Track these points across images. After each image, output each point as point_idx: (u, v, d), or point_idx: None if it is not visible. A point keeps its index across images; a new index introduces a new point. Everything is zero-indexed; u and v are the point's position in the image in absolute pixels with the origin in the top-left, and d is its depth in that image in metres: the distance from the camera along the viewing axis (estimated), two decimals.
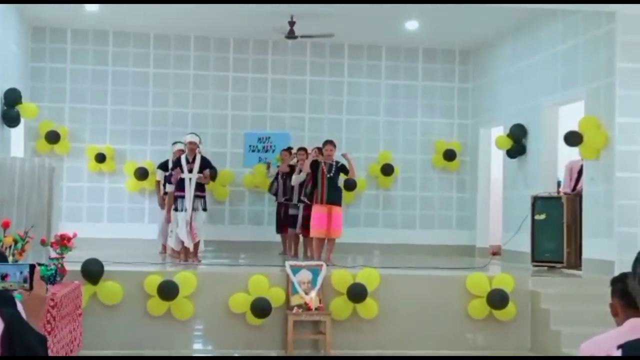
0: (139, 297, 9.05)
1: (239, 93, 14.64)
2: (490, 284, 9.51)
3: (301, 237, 12.28)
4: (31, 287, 2.43)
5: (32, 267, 2.46)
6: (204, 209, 11.04)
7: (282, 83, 14.79)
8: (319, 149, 11.50)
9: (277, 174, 12.91)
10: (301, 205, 11.99)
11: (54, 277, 7.30)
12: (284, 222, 12.58)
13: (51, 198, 9.35)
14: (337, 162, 11.19)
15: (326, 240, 11.04)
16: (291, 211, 12.31)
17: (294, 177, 11.93)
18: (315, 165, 11.12)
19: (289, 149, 13.08)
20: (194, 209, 10.87)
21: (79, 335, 7.80)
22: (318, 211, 10.93)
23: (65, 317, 7.05)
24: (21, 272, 2.44)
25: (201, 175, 10.91)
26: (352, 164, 11.32)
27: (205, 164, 11.10)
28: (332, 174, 11.01)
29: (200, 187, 11.03)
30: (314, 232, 10.98)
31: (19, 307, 2.17)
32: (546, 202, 11.46)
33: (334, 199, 11.03)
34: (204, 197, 11.11)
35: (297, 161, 12.27)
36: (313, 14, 12.40)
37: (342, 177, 11.33)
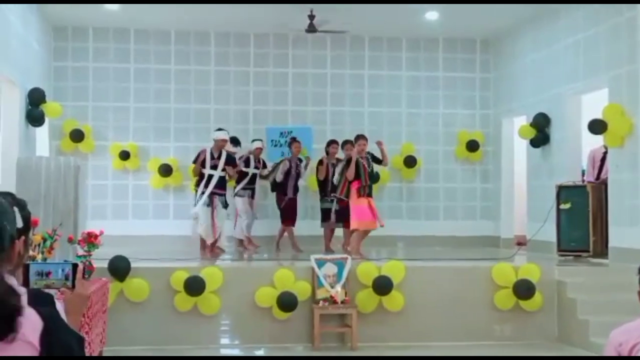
0: (166, 293, 9.10)
1: (260, 88, 14.68)
2: (516, 274, 9.48)
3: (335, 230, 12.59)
4: (73, 286, 2.46)
5: (74, 266, 2.48)
6: (225, 206, 11.46)
7: (303, 77, 14.81)
8: (348, 143, 11.58)
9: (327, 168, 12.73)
10: (335, 200, 12.10)
11: (83, 274, 7.36)
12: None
13: (77, 196, 9.44)
14: (368, 153, 11.22)
15: (356, 233, 11.07)
16: (327, 205, 12.42)
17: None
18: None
19: (335, 142, 12.88)
20: (215, 206, 11.16)
21: (103, 332, 7.86)
22: (360, 204, 10.93)
23: (96, 315, 7.12)
24: (63, 270, 2.47)
25: (228, 169, 11.36)
26: (385, 151, 11.37)
27: (230, 161, 11.32)
28: (370, 168, 11.07)
29: (220, 184, 11.26)
30: (358, 225, 10.94)
31: (58, 306, 2.20)
32: (571, 191, 11.40)
33: (371, 191, 11.16)
34: (223, 194, 11.49)
35: (328, 154, 12.56)
36: (332, 7, 12.43)
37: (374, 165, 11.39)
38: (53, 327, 1.81)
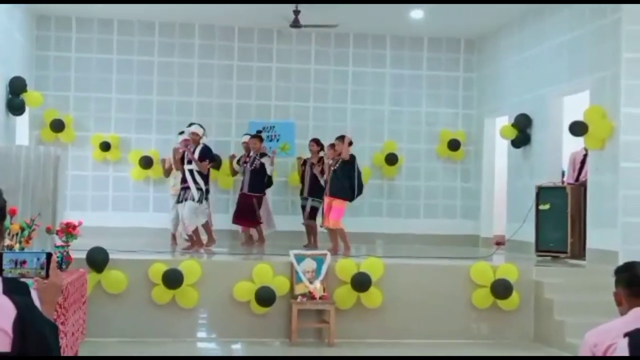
0: (144, 286, 9.07)
1: (244, 82, 14.65)
2: (495, 273, 9.52)
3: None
4: (47, 275, 2.45)
5: (49, 255, 2.47)
6: (197, 200, 11.10)
7: (287, 72, 14.79)
8: (332, 146, 11.64)
9: (305, 167, 12.77)
10: (310, 199, 12.44)
11: (60, 265, 7.32)
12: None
13: (56, 186, 9.36)
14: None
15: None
16: (303, 203, 12.58)
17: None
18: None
19: (316, 141, 12.85)
20: (185, 200, 11.01)
21: (83, 323, 7.83)
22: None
23: (72, 305, 7.08)
24: (38, 259, 2.46)
25: (202, 164, 11.08)
26: (345, 145, 11.35)
27: (204, 154, 11.15)
28: (336, 167, 11.25)
29: (192, 178, 11.08)
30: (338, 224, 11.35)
31: (33, 295, 2.19)
32: (550, 192, 11.46)
33: (335, 191, 11.33)
34: (199, 189, 11.10)
35: (311, 152, 12.64)
36: (318, 4, 12.44)
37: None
38: (27, 316, 1.80)
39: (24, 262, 2.43)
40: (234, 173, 13.31)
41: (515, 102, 13.33)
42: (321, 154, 12.42)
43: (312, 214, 12.45)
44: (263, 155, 12.54)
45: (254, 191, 12.44)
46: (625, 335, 1.89)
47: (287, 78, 14.79)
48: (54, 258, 2.49)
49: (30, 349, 1.75)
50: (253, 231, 12.77)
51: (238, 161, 13.01)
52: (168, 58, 14.46)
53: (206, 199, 11.24)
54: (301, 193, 12.75)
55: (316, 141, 12.67)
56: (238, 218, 12.66)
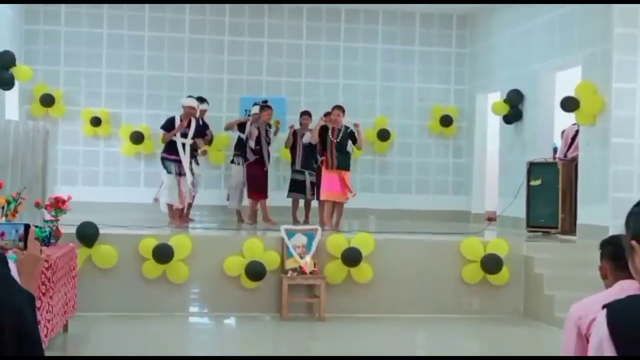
0: (134, 261, 9.07)
1: (235, 57, 14.56)
2: (485, 249, 9.54)
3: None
4: (25, 247, 2.43)
5: (27, 227, 2.46)
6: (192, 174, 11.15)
7: (279, 47, 14.71)
8: (327, 115, 11.46)
9: (296, 136, 12.46)
10: (307, 172, 12.14)
11: (48, 239, 7.30)
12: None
13: (46, 161, 9.34)
14: (346, 128, 11.22)
15: (335, 206, 11.17)
16: (299, 177, 12.32)
17: (305, 137, 11.95)
18: (323, 130, 11.16)
19: (308, 113, 12.64)
20: (183, 174, 10.98)
21: (74, 298, 7.83)
22: (328, 175, 11.02)
23: (61, 280, 7.07)
24: (17, 231, 2.44)
25: (197, 140, 11.04)
26: (362, 135, 11.37)
27: (200, 131, 11.16)
28: (339, 139, 11.04)
29: (190, 151, 11.11)
30: (325, 196, 11.06)
31: (12, 267, 2.17)
32: (542, 167, 11.46)
33: (343, 163, 11.12)
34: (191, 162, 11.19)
35: (301, 125, 12.36)
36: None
37: (350, 144, 11.35)
38: (2, 286, 1.78)
39: (2, 233, 2.41)
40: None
41: (507, 77, 13.30)
42: (311, 126, 12.32)
43: (313, 189, 12.24)
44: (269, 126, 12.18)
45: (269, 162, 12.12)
46: (604, 307, 1.88)
47: (278, 53, 14.71)
48: (32, 230, 2.48)
49: (5, 319, 1.74)
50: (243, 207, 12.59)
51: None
52: (159, 33, 14.35)
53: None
54: (292, 164, 12.51)
55: (307, 113, 12.58)
56: (259, 192, 12.09)
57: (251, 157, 11.81)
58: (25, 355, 1.81)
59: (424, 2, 13.92)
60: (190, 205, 11.64)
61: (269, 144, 12.02)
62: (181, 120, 11.10)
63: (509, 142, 13.39)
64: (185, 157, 11.03)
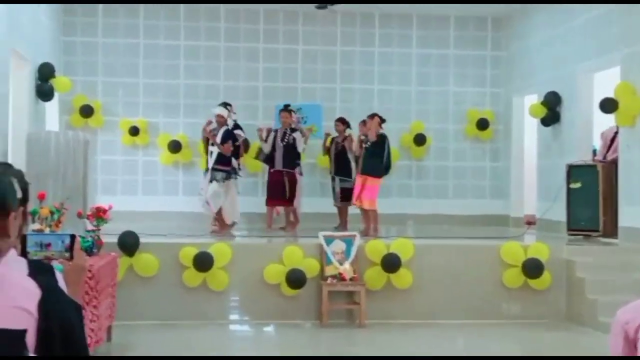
0: (175, 269, 9.12)
1: (270, 65, 14.62)
2: (525, 253, 9.45)
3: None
4: (71, 257, 2.46)
5: (72, 237, 2.48)
6: (220, 180, 11.17)
7: (313, 54, 14.75)
8: (364, 122, 11.65)
9: (332, 145, 12.58)
10: (338, 178, 12.36)
11: (91, 249, 7.37)
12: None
13: (86, 171, 9.46)
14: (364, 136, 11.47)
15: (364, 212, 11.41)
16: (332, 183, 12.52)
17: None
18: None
19: (342, 119, 12.66)
20: (214, 181, 11.07)
21: (113, 307, 7.89)
22: (356, 182, 11.44)
23: (104, 289, 7.14)
24: (63, 242, 2.47)
25: (222, 146, 11.12)
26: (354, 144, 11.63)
27: (227, 136, 11.21)
28: (367, 145, 11.15)
29: (219, 160, 11.12)
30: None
31: (58, 276, 2.19)
32: (581, 170, 11.33)
33: (367, 169, 11.24)
34: (223, 170, 11.17)
35: (337, 132, 12.49)
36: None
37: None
38: (51, 296, 1.80)
39: (48, 244, 2.44)
40: (260, 155, 12.66)
41: (544, 79, 13.18)
42: (347, 132, 12.38)
43: (343, 195, 12.34)
44: (294, 130, 12.16)
45: (285, 167, 11.99)
46: None
47: (313, 60, 14.75)
48: (78, 240, 2.50)
49: (54, 329, 1.76)
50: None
51: (266, 138, 12.29)
52: (194, 42, 14.47)
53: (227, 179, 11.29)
54: (329, 172, 12.68)
55: (342, 120, 12.61)
56: (272, 199, 12.18)
57: (267, 161, 12.20)
58: None
59: (459, 2, 13.78)
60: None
61: (287, 148, 11.99)
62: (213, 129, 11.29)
63: (546, 145, 13.27)
64: (213, 165, 11.17)
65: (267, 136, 12.18)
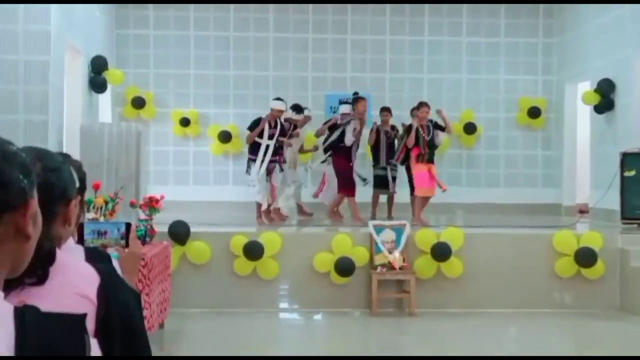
0: (226, 258, 9.22)
1: (319, 55, 14.64)
2: (578, 242, 9.34)
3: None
4: (127, 245, 2.52)
5: (128, 225, 2.54)
6: (281, 170, 11.25)
7: (362, 43, 14.72)
8: (415, 109, 11.51)
9: (378, 134, 12.45)
10: (389, 167, 12.16)
11: (144, 237, 7.51)
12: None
13: (139, 161, 9.59)
14: (430, 121, 11.20)
15: (417, 199, 11.27)
16: (382, 172, 12.31)
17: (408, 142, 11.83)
18: (412, 130, 11.16)
19: (387, 109, 12.53)
20: (271, 172, 11.08)
21: (169, 295, 8.02)
22: (421, 172, 11.09)
23: (157, 277, 7.26)
24: (118, 230, 2.53)
25: (283, 141, 11.11)
26: (447, 119, 11.29)
27: (284, 131, 11.25)
28: (430, 136, 11.08)
29: (276, 153, 11.17)
30: (421, 192, 11.14)
31: (115, 264, 2.25)
32: (636, 158, 11.12)
33: (431, 157, 11.19)
34: (278, 161, 11.26)
35: (382, 122, 12.30)
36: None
37: (440, 134, 11.29)
38: (110, 283, 1.84)
39: (105, 232, 2.50)
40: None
41: (598, 66, 12.96)
42: (391, 121, 12.32)
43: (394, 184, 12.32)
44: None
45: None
46: None
47: (362, 49, 14.72)
48: (133, 228, 2.56)
49: (113, 315, 1.80)
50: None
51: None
52: (243, 33, 14.55)
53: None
54: (377, 162, 12.43)
55: (387, 109, 12.51)
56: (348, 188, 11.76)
57: (344, 152, 11.51)
58: (132, 351, 1.88)
59: None
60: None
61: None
62: (268, 122, 11.14)
63: (600, 133, 13.06)
64: (266, 158, 11.06)
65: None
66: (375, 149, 12.35)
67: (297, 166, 12.62)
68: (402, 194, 12.24)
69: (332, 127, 11.81)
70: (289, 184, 12.12)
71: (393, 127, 12.31)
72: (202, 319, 8.69)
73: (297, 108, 12.09)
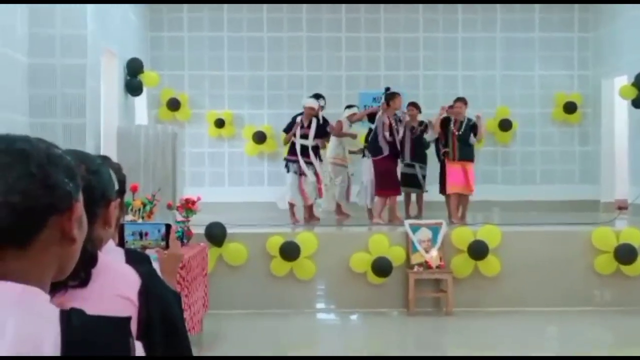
0: (262, 258, 9.24)
1: (352, 53, 14.63)
2: (618, 238, 9.22)
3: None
4: (167, 246, 2.53)
5: (168, 227, 2.56)
6: (312, 172, 11.14)
7: (395, 41, 14.67)
8: (450, 107, 11.35)
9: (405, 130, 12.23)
10: (417, 165, 11.96)
11: (181, 239, 7.55)
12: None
13: (175, 163, 9.67)
14: (468, 120, 11.11)
15: (459, 198, 11.16)
16: (410, 170, 12.04)
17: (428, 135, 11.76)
18: (445, 122, 11.09)
19: (415, 104, 12.30)
20: (304, 174, 10.99)
21: (206, 296, 8.05)
22: (452, 168, 11.00)
23: (196, 279, 7.29)
24: (159, 231, 2.55)
25: (318, 141, 11.06)
26: (483, 128, 11.21)
27: (321, 131, 11.15)
28: (461, 131, 10.96)
29: (305, 152, 11.08)
30: (450, 189, 11.02)
31: (155, 265, 2.26)
32: None
33: (466, 155, 11.07)
34: (311, 162, 11.13)
35: (409, 117, 12.05)
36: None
37: (472, 137, 11.19)
38: (151, 284, 1.85)
39: (146, 233, 2.52)
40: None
41: (635, 60, 12.78)
42: (419, 117, 12.13)
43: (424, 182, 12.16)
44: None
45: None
46: None
47: (395, 47, 14.68)
48: (174, 229, 2.57)
49: (154, 317, 1.81)
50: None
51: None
52: (277, 33, 14.59)
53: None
54: (402, 158, 12.13)
55: (415, 105, 12.33)
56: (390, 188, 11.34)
57: (385, 149, 11.00)
58: (175, 351, 1.88)
59: None
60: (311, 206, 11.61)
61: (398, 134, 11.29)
62: (301, 122, 11.10)
63: (638, 127, 12.88)
64: (302, 158, 11.01)
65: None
66: (400, 145, 12.21)
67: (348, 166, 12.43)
68: (431, 191, 12.07)
69: (371, 117, 11.60)
70: (335, 184, 12.10)
71: (421, 123, 12.09)
72: (239, 320, 8.72)
73: (316, 96, 11.87)
